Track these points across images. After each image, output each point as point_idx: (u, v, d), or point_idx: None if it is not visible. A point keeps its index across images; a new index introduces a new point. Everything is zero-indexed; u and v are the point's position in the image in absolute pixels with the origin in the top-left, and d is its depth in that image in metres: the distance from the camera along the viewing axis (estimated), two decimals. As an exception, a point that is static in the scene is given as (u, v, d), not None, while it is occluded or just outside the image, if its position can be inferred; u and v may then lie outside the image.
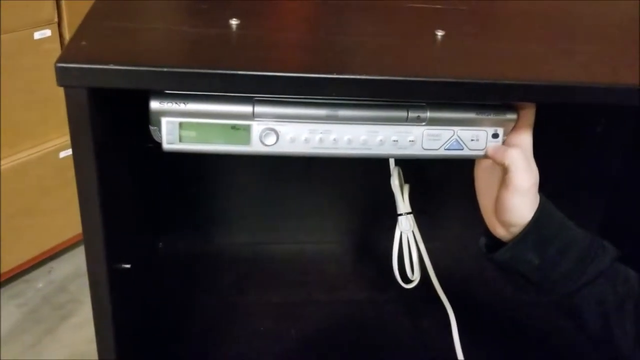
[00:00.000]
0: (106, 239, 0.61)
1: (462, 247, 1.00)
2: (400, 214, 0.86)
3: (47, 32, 1.68)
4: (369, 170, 0.86)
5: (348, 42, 0.65)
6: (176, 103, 0.59)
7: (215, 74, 0.53)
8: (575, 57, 0.66)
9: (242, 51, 0.60)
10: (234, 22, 0.64)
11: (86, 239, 0.60)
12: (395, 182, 0.85)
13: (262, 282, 1.03)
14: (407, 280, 0.88)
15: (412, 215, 0.87)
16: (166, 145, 0.61)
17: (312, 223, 1.09)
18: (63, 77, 0.50)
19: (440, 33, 0.66)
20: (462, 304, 0.90)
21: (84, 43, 0.55)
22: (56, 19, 1.70)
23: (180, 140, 0.61)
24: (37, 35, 1.66)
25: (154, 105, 0.59)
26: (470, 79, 0.57)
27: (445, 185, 1.03)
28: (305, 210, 1.08)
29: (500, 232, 0.68)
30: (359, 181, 1.04)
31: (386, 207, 0.86)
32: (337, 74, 0.54)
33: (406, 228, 0.87)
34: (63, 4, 1.70)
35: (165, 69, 0.53)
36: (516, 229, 0.66)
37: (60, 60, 0.50)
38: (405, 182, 0.85)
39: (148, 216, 0.99)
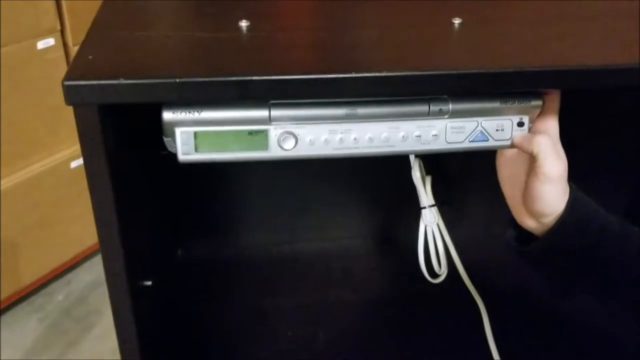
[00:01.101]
0: (126, 257, 0.59)
1: (489, 237, 0.97)
2: (424, 207, 0.84)
3: (50, 41, 1.66)
4: (389, 163, 0.83)
5: (362, 37, 0.62)
6: (190, 112, 0.57)
7: (231, 81, 0.51)
8: (603, 37, 0.63)
9: (256, 54, 0.57)
10: (243, 24, 0.62)
11: (105, 258, 0.59)
12: (416, 174, 0.83)
13: (286, 283, 1.00)
14: (434, 274, 0.86)
15: (435, 207, 0.84)
16: (182, 157, 0.59)
17: (332, 219, 1.06)
18: (71, 95, 0.48)
19: (457, 21, 0.64)
20: (492, 297, 0.88)
21: (91, 57, 0.53)
22: (59, 27, 1.67)
23: (196, 150, 0.59)
24: (41, 44, 1.63)
25: (167, 115, 0.57)
26: (494, 68, 0.54)
27: (467, 174, 1.00)
28: (325, 207, 1.05)
29: (530, 223, 0.65)
30: (378, 174, 1.01)
31: (408, 199, 0.84)
32: (355, 72, 0.52)
33: (430, 221, 0.85)
34: (65, 11, 1.67)
35: (178, 80, 0.50)
36: (548, 219, 0.63)
37: (67, 77, 0.48)
38: (427, 173, 0.83)
39: (166, 223, 0.97)
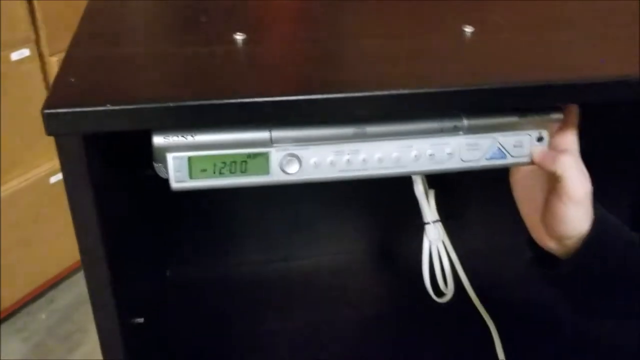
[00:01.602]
0: (115, 294, 0.54)
1: (496, 253, 0.93)
2: (427, 223, 0.79)
3: (25, 52, 1.59)
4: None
5: (370, 49, 0.58)
6: (183, 136, 0.52)
7: (229, 104, 0.46)
8: (629, 42, 0.59)
9: (255, 72, 0.52)
10: (239, 36, 0.57)
11: (93, 295, 0.53)
12: (419, 188, 0.78)
13: (281, 304, 0.95)
14: (439, 293, 0.81)
15: (440, 222, 0.80)
16: (175, 185, 0.54)
17: (329, 234, 1.02)
18: (52, 124, 0.43)
19: (468, 29, 0.59)
20: (503, 316, 0.84)
21: (72, 80, 0.48)
22: (33, 37, 1.60)
23: (191, 177, 0.54)
24: (15, 55, 1.57)
25: (158, 140, 0.52)
26: (514, 83, 0.50)
27: (473, 186, 0.96)
28: (322, 221, 1.01)
29: (551, 245, 0.61)
30: (378, 186, 0.94)
31: (409, 212, 0.79)
32: (363, 91, 0.47)
33: (434, 237, 0.81)
34: (39, 20, 1.60)
35: (171, 104, 0.45)
36: (571, 241, 0.59)
37: (47, 104, 0.43)
38: (430, 187, 0.78)
39: (155, 244, 0.91)
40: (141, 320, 0.61)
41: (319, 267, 1.01)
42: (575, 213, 0.57)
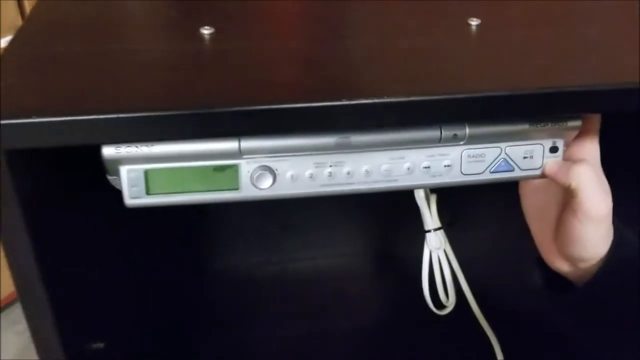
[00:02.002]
0: (58, 321, 0.47)
1: (503, 263, 0.86)
2: (428, 230, 0.73)
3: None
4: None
5: (358, 48, 0.50)
6: (138, 146, 0.45)
7: (192, 115, 0.38)
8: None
9: (222, 75, 0.44)
10: (206, 31, 0.49)
11: (31, 324, 0.47)
12: (420, 194, 0.72)
13: (271, 311, 0.89)
14: (440, 305, 0.75)
15: (442, 230, 0.73)
16: (130, 201, 0.47)
17: (324, 237, 0.96)
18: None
19: (474, 22, 0.51)
20: (506, 331, 0.77)
21: (10, 82, 0.40)
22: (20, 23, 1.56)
23: (148, 193, 0.47)
24: (3, 42, 1.51)
25: (108, 152, 0.45)
26: (527, 89, 0.42)
27: (478, 190, 0.87)
28: (316, 223, 0.95)
29: (563, 267, 0.54)
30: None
31: (409, 213, 0.72)
32: (349, 99, 0.40)
33: (436, 246, 0.75)
34: (27, 8, 1.56)
35: (122, 116, 0.38)
36: (587, 264, 0.52)
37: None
38: (431, 191, 0.71)
39: (130, 250, 0.85)
40: (101, 345, 0.55)
41: (314, 272, 0.95)
42: (593, 233, 0.50)
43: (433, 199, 0.72)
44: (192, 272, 0.93)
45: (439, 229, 0.73)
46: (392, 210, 0.89)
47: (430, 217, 0.72)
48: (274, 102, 0.40)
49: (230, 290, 0.92)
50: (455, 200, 0.85)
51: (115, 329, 0.64)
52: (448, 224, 0.73)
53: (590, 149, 0.51)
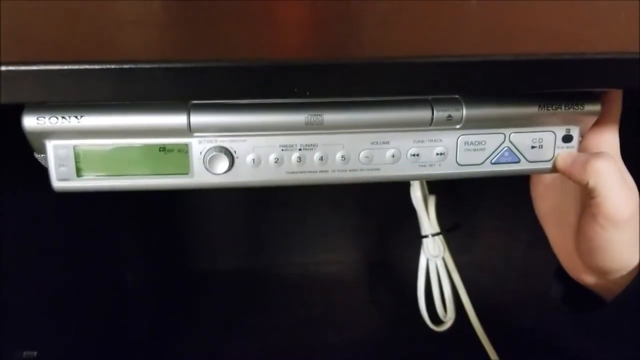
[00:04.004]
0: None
1: (507, 272, 0.78)
2: (426, 236, 0.67)
3: None
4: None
5: (341, 9, 0.42)
6: (65, 117, 0.37)
7: (117, 70, 0.30)
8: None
9: (162, 21, 0.37)
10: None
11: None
12: (416, 194, 0.65)
13: (256, 320, 0.83)
14: (437, 320, 0.69)
15: (440, 236, 0.67)
16: (57, 184, 0.40)
17: (315, 242, 0.90)
18: None
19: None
20: (509, 349, 0.69)
21: None
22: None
23: (79, 175, 0.39)
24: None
25: (29, 122, 0.37)
26: (537, 54, 0.34)
27: (480, 191, 0.81)
28: (306, 227, 0.89)
29: (589, 279, 0.46)
30: (370, 188, 0.82)
31: (405, 216, 0.66)
32: (325, 59, 0.32)
33: (434, 254, 0.69)
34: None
35: (23, 69, 0.30)
36: (616, 276, 0.43)
37: None
38: (430, 192, 0.65)
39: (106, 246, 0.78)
40: (34, 353, 0.47)
41: (300, 280, 0.90)
42: (618, 239, 0.42)
43: (432, 200, 0.66)
44: (168, 275, 0.86)
45: (437, 234, 0.67)
46: (387, 213, 0.83)
47: (428, 221, 0.66)
48: (223, 60, 0.32)
49: (208, 297, 0.87)
50: (456, 203, 0.78)
51: (50, 337, 0.57)
52: (448, 230, 0.67)
53: (610, 140, 0.43)
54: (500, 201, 0.77)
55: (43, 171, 0.40)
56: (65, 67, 0.29)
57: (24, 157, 0.40)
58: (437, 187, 0.65)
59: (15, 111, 0.37)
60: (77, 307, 0.66)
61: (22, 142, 0.38)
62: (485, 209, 0.84)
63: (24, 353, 0.48)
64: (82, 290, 0.69)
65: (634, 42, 0.37)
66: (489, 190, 0.78)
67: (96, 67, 0.29)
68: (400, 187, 0.64)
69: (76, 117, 0.37)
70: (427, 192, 0.66)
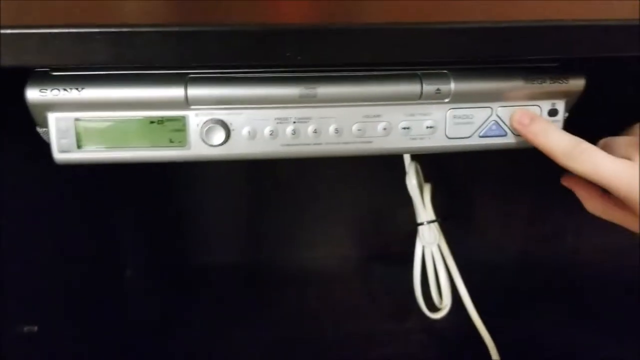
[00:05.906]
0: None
1: (503, 260, 0.79)
2: (421, 223, 0.68)
3: None
4: (379, 164, 0.66)
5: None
6: (66, 89, 0.39)
7: (116, 34, 0.31)
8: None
9: None
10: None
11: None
12: (412, 181, 0.66)
13: (251, 313, 0.82)
14: (434, 307, 0.69)
15: (436, 223, 0.67)
16: (59, 155, 0.41)
17: (309, 233, 0.89)
18: None
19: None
20: (505, 336, 0.70)
21: None
22: None
23: (80, 147, 0.41)
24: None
25: (32, 95, 0.39)
26: (522, 21, 0.35)
27: (477, 179, 0.81)
28: (301, 218, 0.88)
29: None
30: (366, 177, 0.84)
31: (402, 207, 0.67)
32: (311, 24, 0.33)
33: (430, 241, 0.70)
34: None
35: (23, 31, 0.32)
36: None
37: None
38: (426, 180, 0.66)
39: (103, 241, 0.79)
40: (34, 328, 0.48)
41: (296, 273, 0.89)
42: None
43: (427, 188, 0.67)
44: (165, 269, 0.87)
45: (433, 221, 0.67)
46: (382, 200, 0.84)
47: (424, 208, 0.67)
48: (216, 24, 0.34)
49: (206, 290, 0.87)
50: (452, 190, 0.79)
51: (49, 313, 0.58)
52: (444, 219, 0.68)
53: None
54: (494, 189, 0.78)
55: (43, 170, 0.40)
56: (65, 30, 0.30)
57: (24, 157, 0.40)
58: (433, 173, 0.66)
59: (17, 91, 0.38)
60: (75, 302, 0.67)
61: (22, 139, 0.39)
62: (480, 196, 0.85)
63: (25, 328, 0.49)
64: (80, 285, 0.70)
65: (618, 11, 0.38)
66: (484, 177, 0.78)
67: (95, 30, 0.31)
68: (395, 172, 0.66)
69: (77, 89, 0.39)
70: (422, 180, 0.67)
